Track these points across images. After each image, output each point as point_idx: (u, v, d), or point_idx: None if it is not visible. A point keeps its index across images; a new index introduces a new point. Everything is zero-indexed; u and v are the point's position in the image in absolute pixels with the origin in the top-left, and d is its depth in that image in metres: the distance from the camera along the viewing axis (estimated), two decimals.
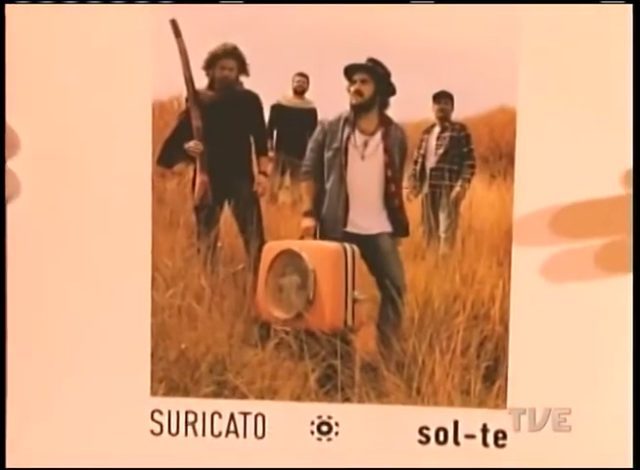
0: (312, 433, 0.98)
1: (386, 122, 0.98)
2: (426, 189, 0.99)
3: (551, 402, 1.01)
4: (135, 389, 1.00)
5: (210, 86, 0.98)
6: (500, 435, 0.99)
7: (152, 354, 1.00)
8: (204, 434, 1.00)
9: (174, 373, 1.02)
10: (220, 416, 0.99)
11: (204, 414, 1.00)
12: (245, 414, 0.99)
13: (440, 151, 1.00)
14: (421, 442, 0.98)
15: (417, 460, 1.01)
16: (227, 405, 0.99)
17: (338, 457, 1.02)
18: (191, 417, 1.00)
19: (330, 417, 0.98)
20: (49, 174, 0.97)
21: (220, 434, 1.00)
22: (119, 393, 1.00)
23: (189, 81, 0.96)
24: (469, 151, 0.98)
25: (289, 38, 0.96)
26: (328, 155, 0.98)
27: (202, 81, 0.97)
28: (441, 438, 0.99)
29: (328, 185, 0.99)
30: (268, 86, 0.96)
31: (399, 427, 0.99)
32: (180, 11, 0.94)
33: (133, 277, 1.00)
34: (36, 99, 0.97)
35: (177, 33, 0.94)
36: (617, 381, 1.01)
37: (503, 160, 0.97)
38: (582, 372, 1.01)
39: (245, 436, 0.99)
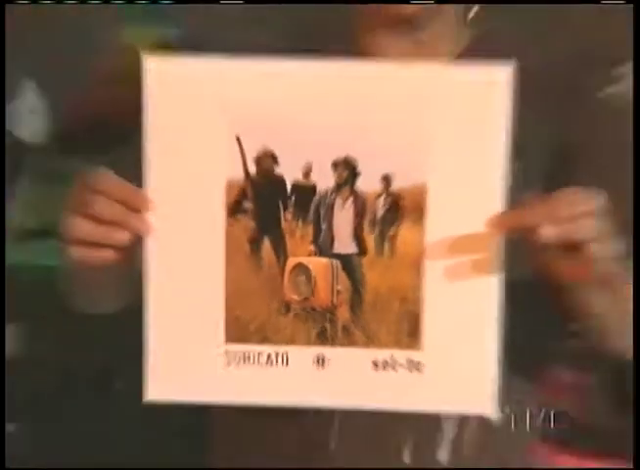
0: (313, 363, 1.34)
1: (354, 193, 1.30)
2: (377, 230, 1.32)
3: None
4: (215, 336, 1.36)
5: (257, 173, 1.31)
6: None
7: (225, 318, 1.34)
8: (258, 363, 1.34)
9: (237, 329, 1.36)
10: (264, 355, 1.34)
11: (258, 354, 1.34)
12: (277, 353, 1.34)
13: (385, 207, 1.32)
14: (374, 368, 1.33)
15: (370, 383, 1.36)
16: (267, 348, 1.35)
17: (330, 382, 1.36)
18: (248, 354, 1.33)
19: (324, 355, 1.35)
20: (165, 218, 1.31)
21: (263, 364, 1.34)
22: (208, 339, 1.36)
23: (246, 171, 1.31)
24: (401, 208, 1.31)
25: (301, 142, 1.30)
26: (322, 210, 1.32)
27: (252, 168, 1.31)
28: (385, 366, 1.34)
29: (323, 226, 1.33)
30: (289, 172, 1.32)
31: (359, 359, 1.35)
32: (242, 130, 1.29)
33: (215, 279, 1.35)
34: (163, 160, 1.29)
35: (240, 146, 1.29)
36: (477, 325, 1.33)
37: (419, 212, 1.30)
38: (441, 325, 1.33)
39: (273, 365, 1.35)
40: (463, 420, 1.61)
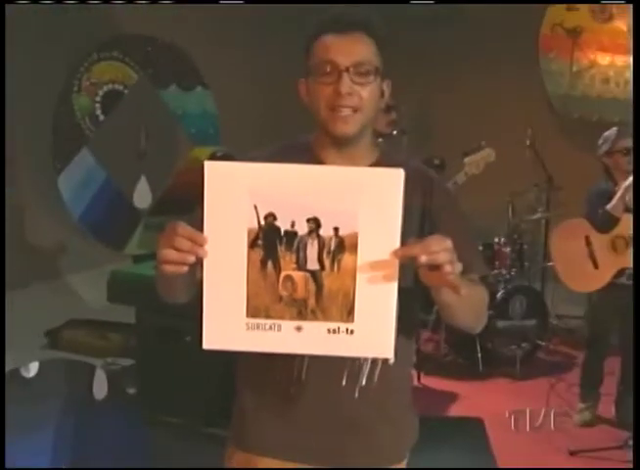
0: (295, 330, 1.39)
1: (318, 236, 1.34)
2: (330, 257, 1.34)
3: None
4: (241, 314, 1.39)
5: (265, 225, 1.34)
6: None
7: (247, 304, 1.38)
8: (264, 329, 1.39)
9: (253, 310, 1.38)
10: (267, 325, 1.39)
11: (264, 324, 1.40)
12: (274, 324, 1.39)
13: (335, 244, 1.35)
14: (328, 333, 1.39)
15: (326, 341, 1.40)
16: (269, 321, 1.39)
17: (304, 340, 1.40)
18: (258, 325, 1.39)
19: (301, 325, 1.39)
20: (214, 249, 1.36)
21: (267, 330, 1.39)
22: (238, 316, 1.39)
23: (259, 224, 1.33)
24: (343, 245, 1.34)
25: (289, 208, 1.33)
26: (301, 246, 1.35)
27: (262, 222, 1.34)
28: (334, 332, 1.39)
29: (300, 255, 1.35)
30: (283, 224, 1.33)
31: (320, 328, 1.39)
32: (258, 199, 1.33)
33: (241, 283, 1.38)
34: (214, 218, 1.35)
35: (256, 210, 1.33)
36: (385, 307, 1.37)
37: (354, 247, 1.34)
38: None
39: (273, 330, 1.39)
40: (373, 362, 1.66)
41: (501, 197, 5.74)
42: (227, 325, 1.41)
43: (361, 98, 1.57)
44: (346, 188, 1.33)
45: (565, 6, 6.31)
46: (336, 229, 1.35)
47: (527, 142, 5.81)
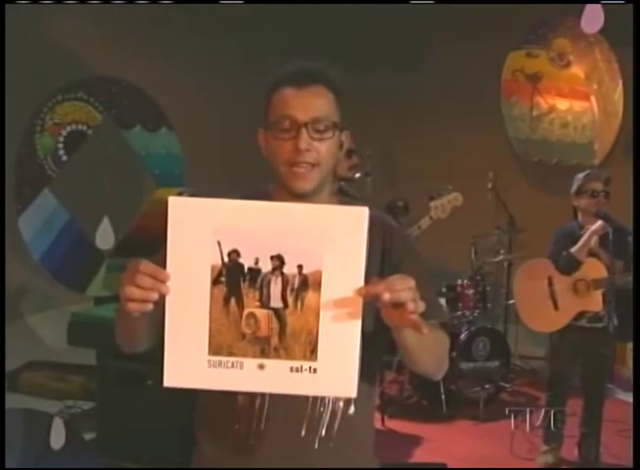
0: (257, 368, 1.37)
1: (282, 274, 1.34)
2: (294, 294, 1.33)
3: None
4: (203, 351, 1.37)
5: (229, 261, 1.33)
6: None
7: (209, 341, 1.36)
8: (226, 367, 1.38)
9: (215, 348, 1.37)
10: (229, 362, 1.38)
11: (226, 361, 1.38)
12: (236, 362, 1.37)
13: (299, 282, 1.34)
14: (291, 371, 1.37)
15: (288, 379, 1.38)
16: (231, 359, 1.37)
17: (266, 379, 1.38)
18: (221, 362, 1.38)
19: (263, 363, 1.37)
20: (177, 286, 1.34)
21: (229, 367, 1.37)
22: (199, 353, 1.37)
23: (222, 260, 1.33)
24: (307, 283, 1.33)
25: (254, 245, 1.33)
26: (264, 283, 1.34)
27: (226, 259, 1.33)
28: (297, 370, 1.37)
29: (264, 292, 1.34)
30: (247, 261, 1.33)
31: (282, 366, 1.37)
32: (222, 236, 1.32)
33: (204, 320, 1.36)
34: (178, 254, 1.35)
35: (220, 247, 1.33)
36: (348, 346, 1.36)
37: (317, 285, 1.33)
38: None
39: (235, 368, 1.37)
40: (333, 412, 1.64)
41: (464, 239, 5.81)
42: (188, 362, 1.39)
43: (319, 153, 1.57)
44: (311, 226, 1.33)
45: (525, 52, 6.46)
46: (300, 267, 1.34)
47: (490, 185, 5.90)
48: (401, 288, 1.32)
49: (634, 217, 3.81)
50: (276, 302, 1.37)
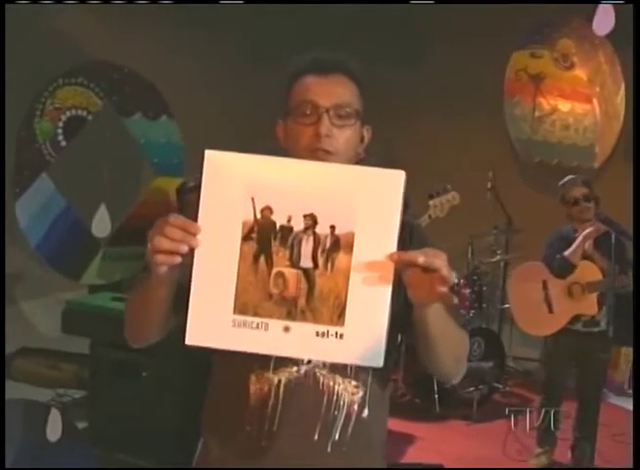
0: (282, 330, 1.38)
1: (314, 233, 1.34)
2: (324, 255, 1.34)
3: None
4: (228, 310, 1.37)
5: (261, 218, 1.34)
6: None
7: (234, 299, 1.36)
8: (251, 327, 1.37)
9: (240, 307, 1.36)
10: (254, 323, 1.38)
11: (251, 322, 1.37)
12: (262, 322, 1.37)
13: (330, 243, 1.34)
14: (316, 336, 1.36)
15: (314, 344, 1.38)
16: (256, 319, 1.37)
17: (291, 342, 1.38)
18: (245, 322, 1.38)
19: (289, 326, 1.37)
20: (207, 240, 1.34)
21: (254, 328, 1.37)
22: (224, 312, 1.37)
23: (255, 217, 1.33)
24: (339, 244, 1.34)
25: (287, 203, 1.33)
26: (295, 242, 1.35)
27: (258, 215, 1.33)
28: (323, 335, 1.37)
29: (294, 251, 1.35)
30: (279, 219, 1.34)
31: (308, 330, 1.37)
32: (256, 192, 1.33)
33: (231, 276, 1.36)
34: (210, 208, 1.35)
35: (253, 203, 1.33)
36: (377, 313, 1.35)
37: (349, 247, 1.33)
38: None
39: (259, 329, 1.37)
40: (347, 415, 1.61)
41: (462, 238, 5.83)
42: (213, 321, 1.37)
43: (338, 142, 1.57)
44: (346, 187, 1.32)
45: (529, 52, 6.50)
46: (332, 227, 1.33)
47: (489, 185, 5.95)
48: (435, 255, 1.32)
49: (634, 220, 3.86)
50: (306, 261, 1.35)
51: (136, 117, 5.42)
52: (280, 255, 1.36)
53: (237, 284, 1.36)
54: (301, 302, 1.36)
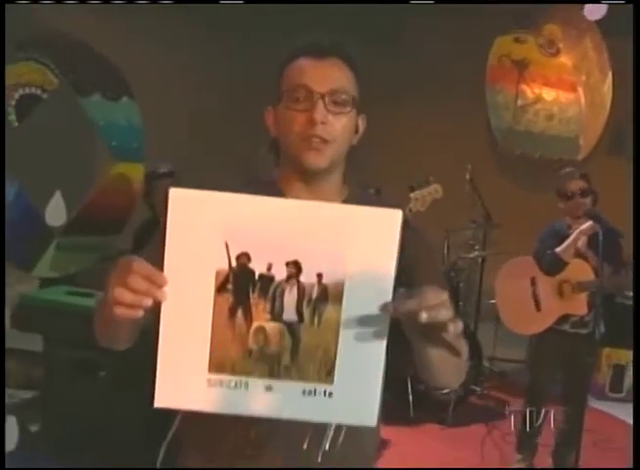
0: (264, 390, 1.26)
1: (299, 282, 1.22)
2: (311, 307, 1.23)
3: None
4: (202, 368, 1.25)
5: (237, 266, 1.20)
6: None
7: (209, 357, 1.25)
8: (228, 387, 1.26)
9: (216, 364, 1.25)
10: (232, 382, 1.26)
11: (228, 381, 1.26)
12: (240, 381, 1.26)
13: (317, 293, 1.22)
14: (302, 395, 1.26)
15: (299, 403, 1.27)
16: (234, 378, 1.26)
17: (273, 402, 1.28)
18: (222, 381, 1.27)
19: (271, 385, 1.26)
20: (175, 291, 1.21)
21: (232, 388, 1.26)
22: (198, 370, 1.25)
23: (230, 264, 1.19)
24: (327, 295, 1.22)
25: (267, 248, 1.20)
26: (277, 292, 1.23)
27: (234, 263, 1.20)
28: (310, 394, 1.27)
29: (277, 303, 1.23)
30: (258, 267, 1.20)
31: (293, 389, 1.26)
32: (230, 235, 1.19)
33: (204, 332, 1.24)
34: (177, 254, 1.21)
35: (227, 248, 1.19)
36: (370, 369, 1.25)
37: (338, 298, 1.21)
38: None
39: (237, 389, 1.27)
40: (338, 425, 1.52)
41: (437, 232, 5.69)
42: (185, 380, 1.27)
43: (334, 129, 1.50)
44: (335, 228, 1.20)
45: (513, 37, 6.40)
46: (319, 276, 1.22)
47: (467, 177, 5.81)
48: (435, 302, 1.20)
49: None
50: (290, 314, 1.24)
51: (95, 97, 5.20)
52: (260, 307, 1.25)
53: (212, 340, 1.25)
54: (285, 358, 1.26)
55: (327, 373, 1.26)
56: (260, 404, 1.28)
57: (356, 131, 1.59)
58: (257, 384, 1.27)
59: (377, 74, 6.27)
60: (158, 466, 1.68)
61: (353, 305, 1.23)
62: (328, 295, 1.23)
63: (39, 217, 4.95)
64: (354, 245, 1.21)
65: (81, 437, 3.81)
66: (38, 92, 4.91)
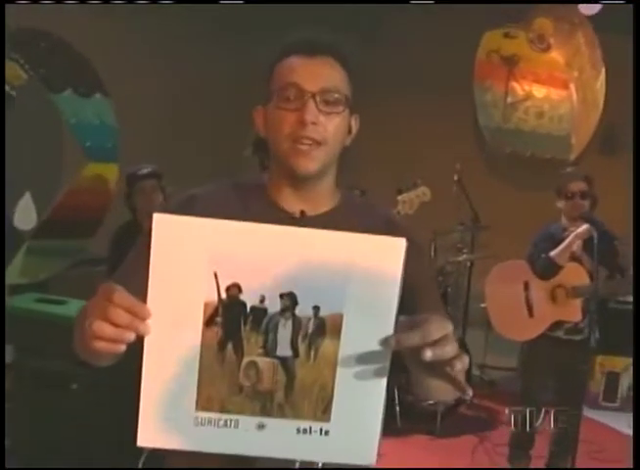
0: (256, 428, 1.21)
1: (294, 315, 1.17)
2: (307, 342, 1.17)
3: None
4: (189, 406, 1.20)
5: (227, 298, 1.14)
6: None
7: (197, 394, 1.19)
8: (217, 426, 1.22)
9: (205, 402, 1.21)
10: (222, 420, 1.22)
11: (217, 419, 1.22)
12: (231, 420, 1.21)
13: (314, 327, 1.17)
14: (297, 433, 1.22)
15: (294, 442, 1.23)
16: (224, 416, 1.21)
17: (267, 441, 1.23)
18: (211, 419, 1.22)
19: (264, 422, 1.21)
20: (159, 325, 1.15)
21: (222, 426, 1.21)
22: (185, 408, 1.20)
23: (219, 296, 1.13)
24: (324, 328, 1.17)
25: (259, 279, 1.14)
26: (271, 326, 1.17)
27: (223, 295, 1.14)
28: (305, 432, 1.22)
29: (270, 337, 1.17)
30: (249, 299, 1.14)
31: (287, 427, 1.22)
32: (220, 265, 1.13)
33: (192, 368, 1.18)
34: (161, 285, 1.15)
35: (216, 279, 1.13)
36: (369, 406, 1.21)
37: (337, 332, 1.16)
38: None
39: (228, 427, 1.22)
40: None
41: (424, 235, 5.60)
42: (170, 419, 1.22)
43: (326, 130, 1.47)
44: (332, 257, 1.15)
45: (502, 32, 6.35)
46: (316, 308, 1.17)
47: (455, 177, 5.73)
48: (440, 335, 1.13)
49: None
50: (284, 350, 1.20)
51: (66, 93, 5.07)
52: (252, 341, 1.20)
53: (200, 376, 1.20)
54: (279, 395, 1.22)
55: (323, 411, 1.22)
56: (252, 444, 1.24)
57: (349, 132, 1.56)
58: (249, 422, 1.23)
59: (362, 73, 6.21)
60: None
61: (352, 340, 1.18)
62: (325, 328, 1.18)
63: (8, 220, 4.80)
64: (354, 275, 1.15)
65: (52, 452, 3.75)
66: (6, 88, 4.74)
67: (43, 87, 4.96)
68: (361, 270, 1.15)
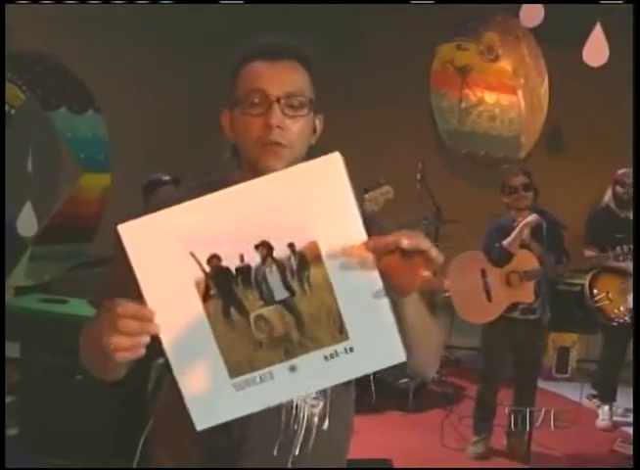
0: (289, 371, 1.21)
1: (275, 260, 1.16)
2: (296, 278, 1.17)
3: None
4: (222, 376, 1.20)
5: (211, 269, 1.15)
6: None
7: (225, 363, 1.20)
8: (254, 384, 1.21)
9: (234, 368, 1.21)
10: (257, 378, 1.21)
11: (253, 378, 1.22)
12: (264, 374, 1.21)
13: (296, 263, 1.17)
14: (325, 360, 1.21)
15: (325, 369, 1.21)
16: (257, 373, 1.21)
17: (302, 380, 1.22)
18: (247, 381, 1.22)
19: (294, 364, 1.20)
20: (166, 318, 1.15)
21: (259, 383, 1.21)
22: (219, 380, 1.20)
23: (203, 271, 1.15)
24: (306, 260, 1.16)
25: (232, 242, 1.15)
26: (259, 277, 1.18)
27: (207, 268, 1.16)
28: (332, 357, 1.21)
29: (263, 287, 1.18)
30: (230, 262, 1.15)
31: (315, 359, 1.21)
32: (192, 245, 1.14)
33: (209, 342, 1.19)
34: (148, 279, 1.15)
35: (194, 257, 1.14)
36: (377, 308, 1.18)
37: (317, 258, 1.16)
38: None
39: (265, 382, 1.21)
40: (307, 429, 1.51)
41: (391, 229, 5.68)
42: (212, 396, 1.21)
43: (291, 133, 1.41)
44: (285, 195, 1.13)
45: (455, 45, 6.46)
46: (291, 245, 1.16)
47: (418, 176, 5.83)
48: (416, 235, 1.14)
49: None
50: (280, 293, 1.19)
51: (61, 110, 5.11)
52: (250, 298, 1.19)
53: (220, 347, 1.19)
54: (295, 335, 1.20)
55: (339, 331, 1.19)
56: (290, 387, 1.23)
57: (314, 132, 1.51)
58: (280, 369, 1.21)
59: (324, 81, 6.28)
60: (134, 466, 1.64)
61: (334, 258, 1.16)
62: (307, 259, 1.17)
63: (12, 229, 4.85)
64: (310, 202, 1.14)
65: (60, 439, 3.77)
66: (6, 108, 4.80)
67: (40, 106, 4.99)
68: (313, 195, 1.13)
